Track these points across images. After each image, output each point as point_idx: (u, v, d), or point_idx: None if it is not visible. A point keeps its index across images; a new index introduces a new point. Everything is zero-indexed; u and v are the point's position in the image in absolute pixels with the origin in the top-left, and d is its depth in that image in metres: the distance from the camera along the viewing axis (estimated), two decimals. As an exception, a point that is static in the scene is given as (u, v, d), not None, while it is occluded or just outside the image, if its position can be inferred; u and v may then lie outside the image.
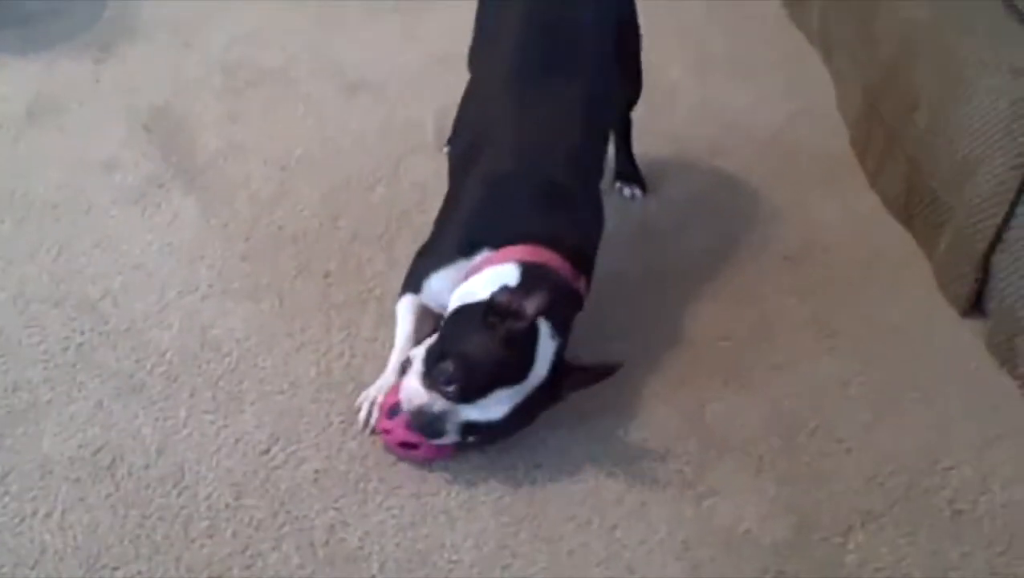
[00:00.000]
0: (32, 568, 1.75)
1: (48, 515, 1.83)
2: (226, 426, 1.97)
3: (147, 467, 1.90)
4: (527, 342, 1.84)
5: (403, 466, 1.92)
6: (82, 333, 2.13)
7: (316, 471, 1.91)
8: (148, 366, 2.07)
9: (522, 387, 1.84)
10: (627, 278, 2.31)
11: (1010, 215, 2.13)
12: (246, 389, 2.04)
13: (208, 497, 1.86)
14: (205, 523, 1.83)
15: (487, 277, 1.90)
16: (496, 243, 1.95)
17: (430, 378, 1.83)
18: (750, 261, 2.37)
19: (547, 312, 1.84)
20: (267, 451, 1.93)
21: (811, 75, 3.01)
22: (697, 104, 2.86)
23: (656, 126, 2.66)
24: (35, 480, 1.88)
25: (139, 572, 1.76)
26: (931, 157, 2.36)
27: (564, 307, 1.92)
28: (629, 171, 2.51)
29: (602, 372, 1.91)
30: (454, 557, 1.80)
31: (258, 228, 2.38)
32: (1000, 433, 2.04)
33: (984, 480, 1.96)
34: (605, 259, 2.31)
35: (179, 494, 1.87)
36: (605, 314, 2.19)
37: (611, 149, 2.46)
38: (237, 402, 2.01)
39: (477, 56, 2.27)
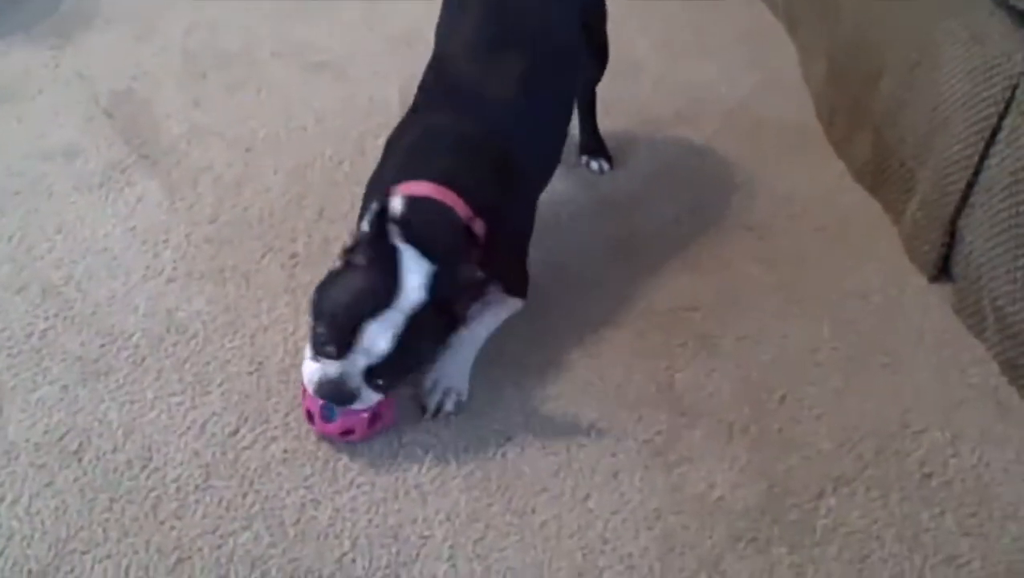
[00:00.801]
0: (0, 552, 1.73)
1: (15, 501, 1.81)
2: (194, 408, 1.95)
3: (114, 450, 1.89)
4: (381, 269, 1.82)
5: (373, 444, 1.91)
6: (46, 319, 2.10)
7: (285, 451, 1.89)
8: (114, 350, 2.05)
9: (393, 313, 1.79)
10: (594, 250, 2.31)
11: (975, 180, 2.13)
12: (213, 371, 2.02)
13: (177, 479, 1.85)
14: (174, 505, 1.81)
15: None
16: (405, 177, 1.96)
17: (314, 349, 1.83)
18: (717, 231, 2.37)
19: (416, 238, 1.83)
20: (236, 432, 1.91)
21: (776, 47, 3.02)
22: (662, 77, 2.86)
23: (622, 100, 2.66)
24: (1, 466, 1.85)
25: (108, 555, 1.74)
26: (896, 125, 2.37)
27: (444, 235, 1.89)
28: (595, 145, 2.51)
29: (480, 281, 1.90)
30: (426, 532, 1.80)
31: (223, 210, 2.36)
32: (968, 396, 2.05)
33: (953, 443, 1.97)
34: (572, 231, 2.32)
35: (147, 477, 1.85)
36: (572, 286, 2.19)
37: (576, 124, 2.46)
38: (204, 384, 1.99)
39: (441, 29, 2.26)
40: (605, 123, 2.56)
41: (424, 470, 1.88)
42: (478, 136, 2.01)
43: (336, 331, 1.80)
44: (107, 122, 2.61)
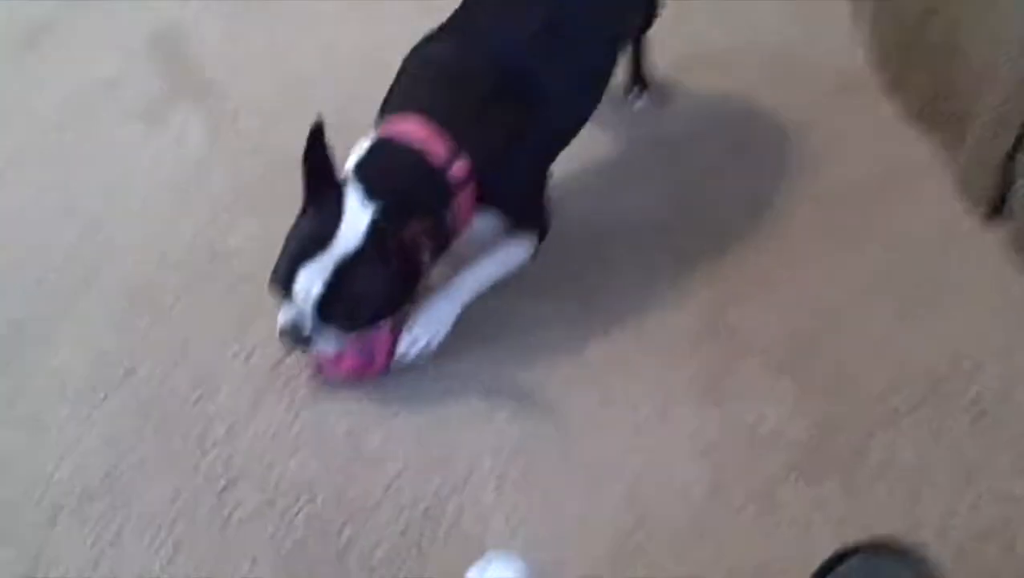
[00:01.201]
0: (54, 472, 1.75)
1: (65, 424, 1.82)
2: (240, 336, 1.95)
3: (163, 378, 1.89)
4: (323, 213, 1.77)
5: (419, 374, 1.90)
6: (93, 248, 2.11)
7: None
8: (160, 278, 2.05)
9: (324, 258, 1.74)
10: (640, 188, 2.28)
11: (1033, 115, 2.09)
12: (258, 301, 2.00)
13: (225, 404, 1.86)
14: (222, 431, 1.82)
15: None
16: (391, 113, 1.91)
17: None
18: (765, 171, 2.33)
19: (367, 180, 1.78)
20: (283, 361, 1.91)
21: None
22: (712, 16, 2.80)
23: (669, 38, 2.61)
24: (52, 391, 1.87)
25: (158, 477, 1.75)
26: (951, 62, 2.31)
27: (395, 177, 1.82)
28: (641, 83, 2.47)
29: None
30: (473, 461, 1.79)
31: (266, 143, 2.35)
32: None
33: (1008, 382, 1.93)
34: (616, 169, 2.29)
35: (196, 403, 1.86)
36: (619, 222, 2.16)
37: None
38: (250, 313, 1.99)
39: None
40: (651, 60, 2.52)
41: (471, 400, 1.87)
42: (481, 68, 1.92)
43: (278, 275, 1.78)
44: (149, 55, 2.60)
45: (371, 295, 1.80)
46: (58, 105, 2.43)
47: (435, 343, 1.90)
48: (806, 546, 1.68)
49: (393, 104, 1.92)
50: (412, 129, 1.84)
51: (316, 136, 1.76)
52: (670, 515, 1.73)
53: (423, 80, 1.94)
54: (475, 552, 1.63)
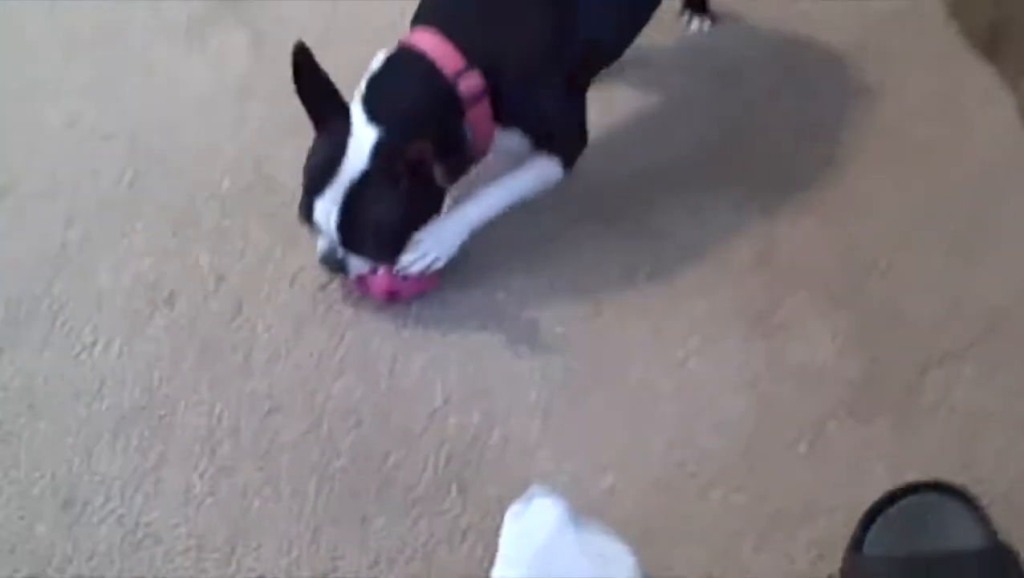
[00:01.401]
0: (94, 396, 1.73)
1: (107, 346, 1.80)
2: (283, 260, 1.92)
3: (205, 300, 1.87)
4: (332, 138, 1.73)
5: (465, 299, 1.87)
6: (134, 168, 2.08)
7: (377, 304, 1.86)
8: (202, 199, 2.02)
9: (336, 185, 1.71)
10: (693, 111, 2.22)
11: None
12: (300, 226, 1.97)
13: (268, 329, 1.83)
14: (265, 355, 1.79)
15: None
16: (415, 23, 1.84)
17: None
18: (822, 98, 2.26)
19: (370, 100, 1.73)
20: (326, 286, 1.88)
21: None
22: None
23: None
24: (92, 312, 1.85)
25: (200, 401, 1.74)
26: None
27: (397, 96, 1.75)
28: (696, 4, 2.39)
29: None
30: (519, 390, 1.76)
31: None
32: (1086, 271, 1.95)
33: (1070, 319, 1.89)
34: (671, 92, 2.23)
35: (238, 327, 1.83)
36: (668, 147, 2.11)
37: None
38: (292, 236, 1.95)
39: None
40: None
41: (517, 327, 1.84)
42: None
43: (300, 206, 1.76)
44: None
45: (387, 218, 1.75)
46: (94, 22, 2.38)
47: (441, 260, 1.83)
48: (856, 485, 1.65)
49: (419, 13, 1.86)
50: (424, 39, 1.77)
51: (299, 60, 1.72)
52: (718, 449, 1.70)
53: None
54: (519, 485, 1.61)
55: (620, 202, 2.02)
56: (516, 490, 1.62)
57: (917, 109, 2.25)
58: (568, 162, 1.89)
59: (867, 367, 1.81)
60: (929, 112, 2.25)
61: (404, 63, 1.78)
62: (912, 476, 1.66)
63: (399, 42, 1.81)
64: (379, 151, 1.71)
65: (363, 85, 1.78)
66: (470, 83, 1.76)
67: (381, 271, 1.81)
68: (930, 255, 1.97)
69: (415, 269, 1.81)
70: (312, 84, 1.75)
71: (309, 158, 1.78)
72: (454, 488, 1.65)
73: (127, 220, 1.98)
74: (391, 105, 1.74)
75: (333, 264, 1.80)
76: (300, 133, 2.10)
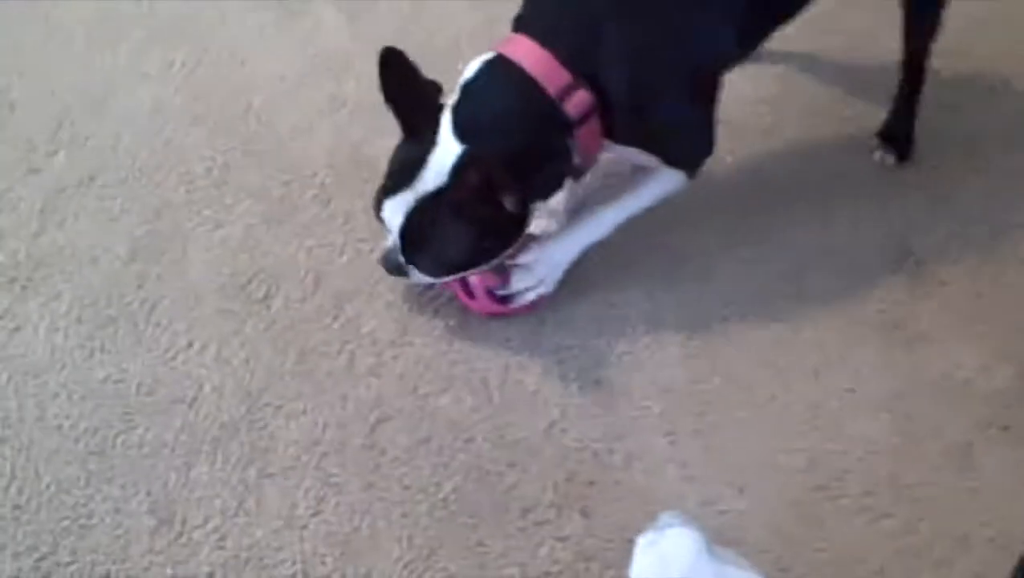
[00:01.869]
0: (191, 404, 1.63)
1: (203, 349, 1.70)
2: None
3: (303, 299, 1.76)
4: (419, 144, 1.60)
5: (580, 306, 1.75)
6: (225, 153, 1.96)
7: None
8: (298, 188, 1.90)
9: (407, 194, 1.59)
10: (809, 93, 2.06)
11: None
12: (404, 215, 1.86)
13: (372, 332, 1.72)
14: (370, 360, 1.68)
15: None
16: (517, 28, 1.66)
17: None
18: (946, 76, 2.08)
19: (460, 113, 1.58)
20: (431, 286, 1.76)
21: None
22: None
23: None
24: (186, 310, 1.74)
25: (303, 410, 1.63)
26: None
27: (488, 114, 1.60)
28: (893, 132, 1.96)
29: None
30: (641, 403, 1.64)
31: (406, 37, 2.15)
32: None
33: None
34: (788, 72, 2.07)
35: (340, 328, 1.72)
36: (791, 138, 1.96)
37: None
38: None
39: None
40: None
41: (637, 337, 1.72)
42: None
43: (375, 197, 1.65)
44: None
45: (450, 241, 1.62)
46: (179, 2, 2.26)
47: (547, 286, 1.71)
48: (1013, 512, 1.52)
49: (522, 15, 1.67)
50: (526, 50, 1.59)
51: (388, 63, 1.60)
52: (860, 471, 1.57)
53: None
54: (646, 507, 1.50)
55: (738, 199, 1.88)
56: (642, 514, 1.50)
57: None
58: (692, 172, 1.73)
59: (1017, 379, 1.67)
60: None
61: (503, 76, 1.60)
62: (1073, 503, 1.54)
63: (499, 46, 1.63)
64: (460, 170, 1.57)
65: (457, 92, 1.63)
66: (577, 101, 1.58)
67: (481, 291, 1.69)
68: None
69: (526, 298, 1.69)
70: (402, 88, 1.62)
71: (394, 153, 1.66)
72: (576, 511, 1.53)
73: (219, 210, 1.87)
74: (483, 121, 1.59)
75: (391, 266, 1.69)
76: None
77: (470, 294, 1.70)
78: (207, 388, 1.65)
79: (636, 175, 1.73)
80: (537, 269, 1.69)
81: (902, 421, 1.63)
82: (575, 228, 1.72)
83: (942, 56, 1.92)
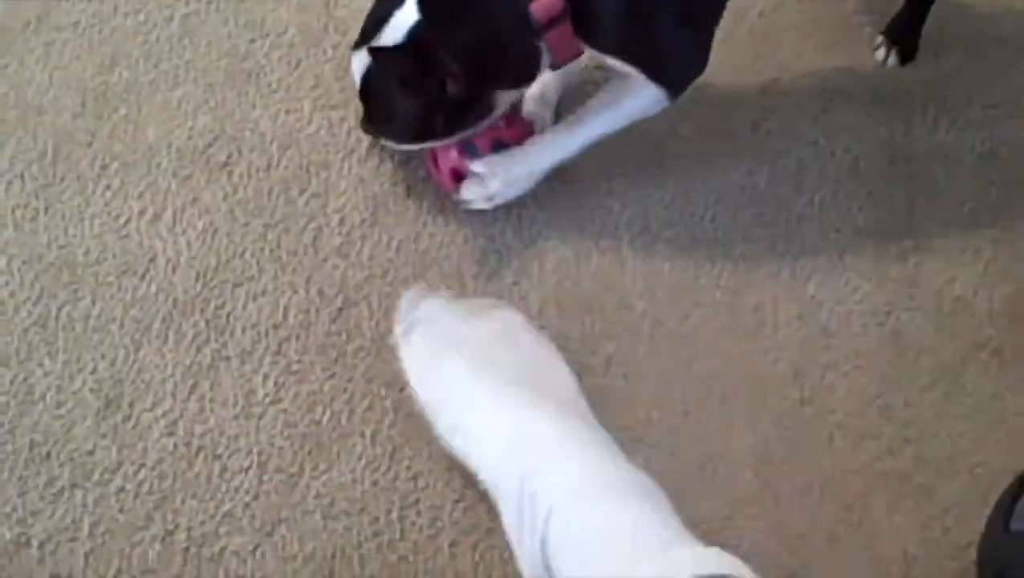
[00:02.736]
0: (142, 277, 1.52)
1: (157, 217, 1.58)
2: (357, 127, 1.67)
3: (268, 168, 1.63)
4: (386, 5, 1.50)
5: (561, 195, 1.64)
6: (187, 3, 1.80)
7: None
8: (265, 47, 1.75)
9: (367, 49, 1.48)
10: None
11: None
12: (379, 84, 1.73)
13: (340, 209, 1.60)
14: (337, 240, 1.57)
15: None
16: None
17: None
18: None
19: None
20: (407, 161, 1.64)
21: None
22: None
23: None
24: (140, 174, 1.61)
25: (263, 291, 1.53)
26: None
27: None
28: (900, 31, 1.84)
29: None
30: (624, 303, 1.56)
31: None
32: None
33: None
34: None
35: (306, 203, 1.60)
36: (795, 43, 1.85)
37: None
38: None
39: None
40: None
41: (621, 229, 1.62)
42: None
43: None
44: None
45: (398, 110, 1.53)
46: None
47: (506, 197, 1.59)
48: (1000, 440, 1.48)
49: None
50: None
51: None
52: (845, 386, 1.51)
53: None
54: (625, 413, 1.43)
55: (736, 95, 1.76)
56: (622, 421, 1.43)
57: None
58: (677, 92, 1.56)
59: (1012, 299, 1.61)
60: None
61: None
62: (1062, 432, 1.49)
63: None
64: (411, 38, 1.45)
65: None
66: (544, 4, 1.44)
67: (445, 166, 1.57)
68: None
69: (475, 203, 1.58)
70: None
71: (372, 4, 1.54)
72: (551, 415, 1.44)
73: (179, 65, 1.72)
74: (448, 2, 1.47)
75: (364, 126, 1.61)
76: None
77: (436, 165, 1.59)
78: (160, 260, 1.53)
79: (611, 87, 1.58)
80: (489, 183, 1.56)
81: (891, 338, 1.56)
82: (538, 145, 1.59)
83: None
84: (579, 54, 1.52)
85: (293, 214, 1.59)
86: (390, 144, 1.60)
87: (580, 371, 1.46)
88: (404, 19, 1.46)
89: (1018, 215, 1.69)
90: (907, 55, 1.83)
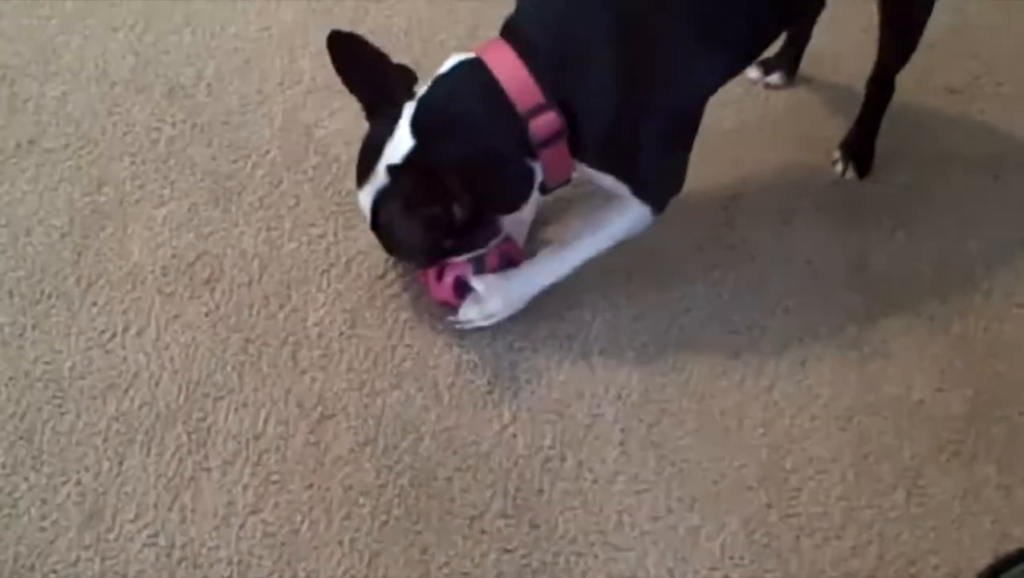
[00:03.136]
0: (126, 391, 1.56)
1: (141, 332, 1.63)
2: (336, 243, 1.74)
3: (250, 284, 1.69)
4: (379, 129, 1.56)
5: (535, 306, 1.69)
6: (173, 124, 1.88)
7: (438, 304, 1.68)
8: (247, 167, 1.83)
9: (370, 185, 1.56)
10: (772, 110, 2.03)
11: None
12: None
13: (319, 323, 1.66)
14: (316, 353, 1.63)
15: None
16: (503, 33, 1.59)
17: None
18: (916, 94, 2.06)
19: (423, 108, 1.53)
20: (383, 276, 1.71)
21: None
22: None
23: None
24: (125, 290, 1.67)
25: (244, 403, 1.57)
26: None
27: (440, 116, 1.53)
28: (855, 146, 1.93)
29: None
30: (594, 410, 1.61)
31: (368, 16, 2.09)
32: None
33: None
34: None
35: (286, 317, 1.66)
36: (755, 152, 1.93)
37: None
38: (348, 216, 1.78)
39: None
40: None
41: (592, 340, 1.68)
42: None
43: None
44: None
45: (406, 235, 1.59)
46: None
47: (501, 316, 1.66)
48: (960, 541, 1.52)
49: (513, 20, 1.58)
50: (502, 60, 1.53)
51: (335, 47, 1.56)
52: (810, 489, 1.55)
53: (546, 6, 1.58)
54: (595, 518, 1.47)
55: (705, 208, 1.84)
56: (592, 526, 1.48)
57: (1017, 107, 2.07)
58: (660, 207, 1.66)
59: (969, 402, 1.66)
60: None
61: (472, 82, 1.54)
62: (1021, 531, 1.53)
63: (479, 53, 1.56)
64: (406, 166, 1.51)
65: (427, 86, 1.57)
66: (544, 122, 1.52)
67: (448, 279, 1.64)
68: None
69: (472, 322, 1.65)
70: (359, 71, 1.57)
71: (363, 141, 1.60)
72: (525, 521, 1.49)
73: (163, 185, 1.80)
74: (441, 122, 1.53)
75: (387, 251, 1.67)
76: (355, 98, 1.92)
77: (438, 277, 1.65)
78: (144, 375, 1.58)
79: (598, 209, 1.67)
80: (489, 303, 1.63)
81: (854, 441, 1.61)
82: (535, 266, 1.66)
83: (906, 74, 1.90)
84: (568, 178, 1.60)
85: (273, 328, 1.64)
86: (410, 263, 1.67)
87: (551, 477, 1.51)
88: (396, 149, 1.52)
89: (973, 321, 1.75)
90: (863, 169, 1.92)
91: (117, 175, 1.80)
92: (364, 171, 1.57)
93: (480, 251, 1.63)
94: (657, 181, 1.64)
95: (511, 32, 1.56)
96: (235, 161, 1.83)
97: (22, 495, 1.47)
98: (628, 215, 1.64)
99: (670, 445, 1.58)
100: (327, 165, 1.84)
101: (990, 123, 2.04)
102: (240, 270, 1.70)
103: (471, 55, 1.56)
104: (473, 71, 1.54)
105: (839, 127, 1.94)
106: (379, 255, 1.72)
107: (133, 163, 1.82)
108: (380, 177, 1.54)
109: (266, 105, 1.92)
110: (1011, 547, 1.45)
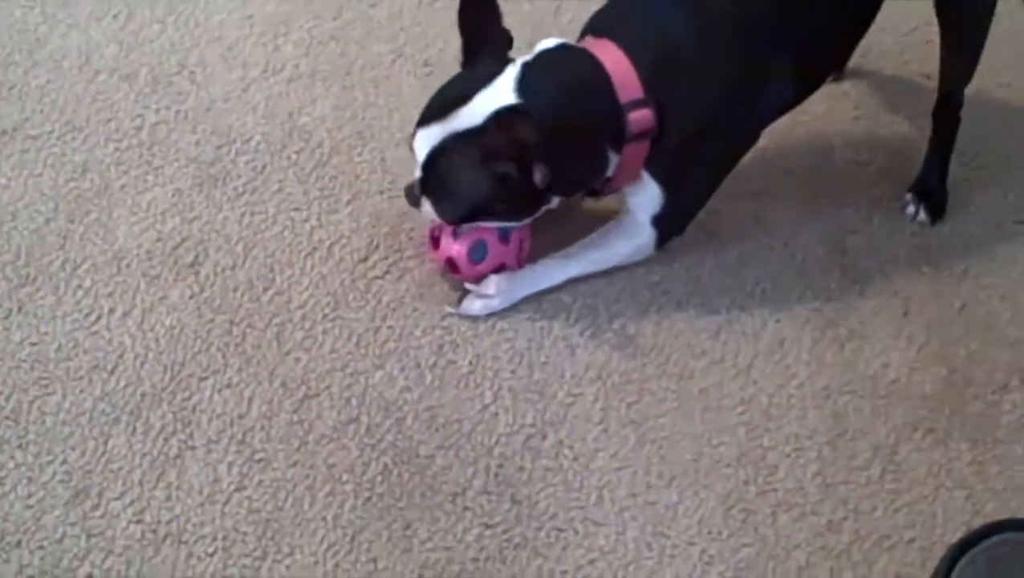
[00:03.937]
0: (111, 372, 1.58)
1: (126, 314, 1.65)
2: (320, 227, 1.76)
3: (234, 267, 1.71)
4: (469, 79, 1.59)
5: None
6: (157, 111, 1.90)
7: (420, 285, 1.71)
8: (231, 153, 1.85)
9: (442, 126, 1.58)
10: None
11: None
12: (340, 187, 1.83)
13: (302, 305, 1.68)
14: (300, 334, 1.64)
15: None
16: (593, 32, 1.67)
17: None
18: (889, 81, 2.09)
19: (531, 69, 1.58)
20: (366, 259, 1.73)
21: None
22: None
23: None
24: (110, 274, 1.69)
25: (228, 384, 1.59)
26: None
27: (559, 82, 1.60)
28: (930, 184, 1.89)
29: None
30: (575, 390, 1.63)
31: (348, 5, 2.11)
32: None
33: None
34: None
35: (270, 300, 1.68)
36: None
37: None
38: (331, 201, 1.80)
39: None
40: None
41: (572, 321, 1.70)
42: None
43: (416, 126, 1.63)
44: None
45: (466, 186, 1.60)
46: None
47: (499, 307, 1.69)
48: (934, 515, 1.55)
49: (603, 24, 1.66)
50: (611, 54, 1.60)
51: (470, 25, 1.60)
52: (787, 466, 1.58)
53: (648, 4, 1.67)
54: (575, 495, 1.49)
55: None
56: (572, 503, 1.50)
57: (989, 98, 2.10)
58: (663, 240, 1.73)
59: (943, 381, 1.69)
60: (1008, 109, 2.10)
61: (583, 62, 1.61)
62: (993, 506, 1.56)
63: (584, 42, 1.65)
64: (499, 117, 1.54)
65: (535, 52, 1.62)
66: (640, 117, 1.59)
67: (457, 242, 1.66)
68: (1009, 262, 1.85)
69: (473, 310, 1.68)
70: (478, 21, 1.60)
71: (443, 85, 1.63)
72: (507, 498, 1.51)
73: (148, 171, 1.81)
74: (550, 90, 1.58)
75: (411, 197, 1.67)
76: (337, 84, 1.95)
77: (436, 247, 1.68)
78: (129, 356, 1.60)
79: (609, 229, 1.73)
80: (494, 300, 1.68)
81: (831, 419, 1.63)
82: (538, 269, 1.71)
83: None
84: (633, 177, 1.65)
85: (257, 310, 1.66)
86: (429, 215, 1.66)
87: (532, 455, 1.54)
88: (490, 102, 1.55)
89: (948, 302, 1.77)
90: (937, 211, 1.88)
91: (101, 161, 1.82)
92: (438, 111, 1.58)
93: (516, 224, 1.65)
94: (681, 207, 1.72)
95: (606, 31, 1.63)
96: (219, 147, 1.85)
97: (8, 474, 1.48)
98: (633, 241, 1.72)
99: (649, 423, 1.60)
100: (310, 151, 1.86)
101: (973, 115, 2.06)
102: (224, 254, 1.72)
103: (592, 48, 1.62)
104: (581, 53, 1.61)
105: (814, 108, 1.95)
106: (362, 238, 1.74)
107: (117, 149, 1.83)
108: (461, 120, 1.56)
109: (249, 92, 1.94)
110: (984, 522, 1.48)
